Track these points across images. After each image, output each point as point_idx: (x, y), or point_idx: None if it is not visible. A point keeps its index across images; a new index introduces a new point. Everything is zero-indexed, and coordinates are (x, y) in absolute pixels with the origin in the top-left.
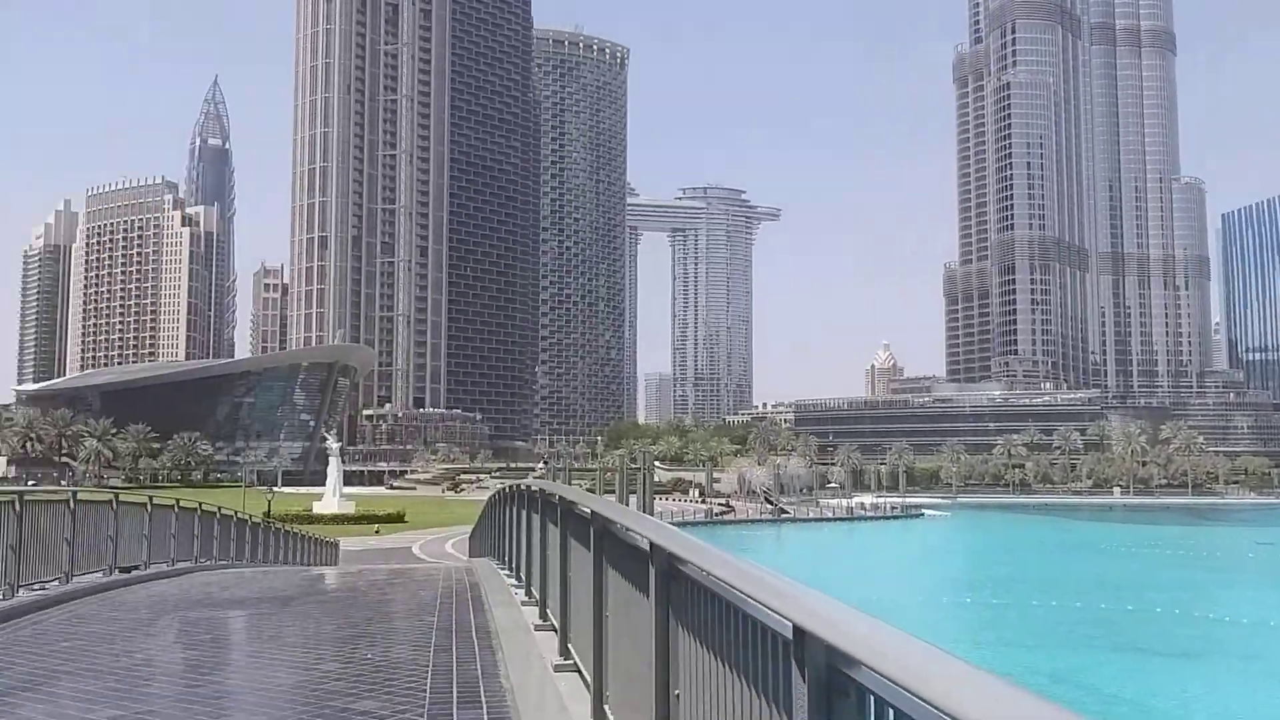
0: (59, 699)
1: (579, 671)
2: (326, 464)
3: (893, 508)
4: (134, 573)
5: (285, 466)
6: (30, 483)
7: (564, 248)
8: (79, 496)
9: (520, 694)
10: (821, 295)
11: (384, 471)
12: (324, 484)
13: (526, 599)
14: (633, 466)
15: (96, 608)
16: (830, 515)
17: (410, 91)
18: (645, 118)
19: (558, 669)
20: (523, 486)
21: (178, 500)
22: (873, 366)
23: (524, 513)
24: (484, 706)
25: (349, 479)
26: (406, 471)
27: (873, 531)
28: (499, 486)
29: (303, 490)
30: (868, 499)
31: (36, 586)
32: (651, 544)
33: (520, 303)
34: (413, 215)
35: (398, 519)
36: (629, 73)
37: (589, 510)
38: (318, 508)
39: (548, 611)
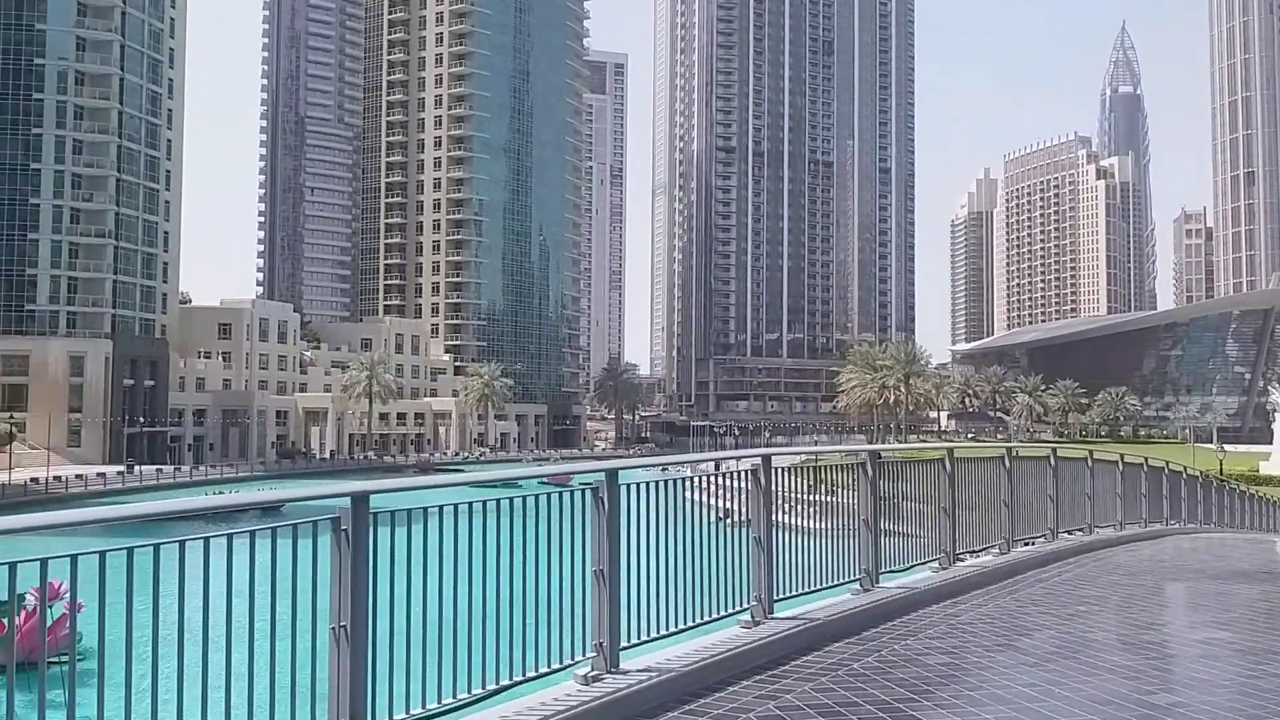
0: (1099, 671)
1: None
2: (1267, 420)
3: None
4: (1105, 533)
5: (1219, 422)
6: (969, 436)
7: None
8: (1059, 454)
9: None
10: None
11: None
12: (1269, 442)
13: None
14: None
15: (1090, 569)
16: None
17: None
18: None
19: None
20: None
21: (1146, 459)
22: None
23: None
24: None
25: None
26: None
27: None
28: None
29: (1242, 448)
30: None
31: (1027, 542)
32: None
33: None
34: None
35: None
36: None
37: None
38: (1264, 468)
39: None
